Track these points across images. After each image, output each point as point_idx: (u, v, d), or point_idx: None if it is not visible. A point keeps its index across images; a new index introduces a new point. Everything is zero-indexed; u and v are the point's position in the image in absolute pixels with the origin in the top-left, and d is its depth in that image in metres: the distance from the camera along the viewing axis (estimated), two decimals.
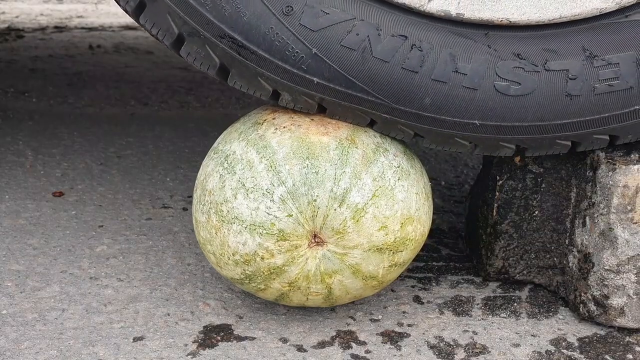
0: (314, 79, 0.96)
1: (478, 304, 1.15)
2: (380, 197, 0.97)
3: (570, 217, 1.11)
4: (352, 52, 0.95)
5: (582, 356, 1.03)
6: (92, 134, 1.80)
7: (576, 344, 1.06)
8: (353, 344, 1.04)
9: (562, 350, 1.04)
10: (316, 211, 0.95)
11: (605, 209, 1.04)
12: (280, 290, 1.00)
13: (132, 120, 2.01)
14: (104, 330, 1.04)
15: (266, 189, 0.95)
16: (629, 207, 1.03)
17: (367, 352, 1.02)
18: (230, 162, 0.99)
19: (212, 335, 1.05)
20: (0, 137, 1.67)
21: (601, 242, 1.05)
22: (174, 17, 0.94)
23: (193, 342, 1.02)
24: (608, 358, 1.03)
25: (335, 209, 0.94)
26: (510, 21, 0.96)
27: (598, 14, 0.97)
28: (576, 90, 0.98)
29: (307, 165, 0.96)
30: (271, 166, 0.96)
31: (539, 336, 1.08)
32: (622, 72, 0.97)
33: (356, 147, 0.98)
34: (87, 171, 1.55)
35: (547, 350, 1.04)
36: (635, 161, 1.03)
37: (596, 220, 1.05)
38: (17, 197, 1.41)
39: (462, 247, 1.31)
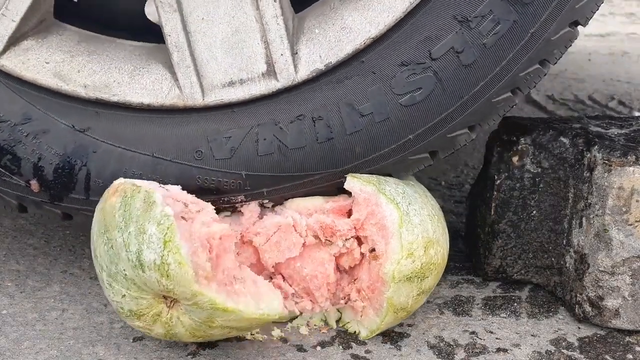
0: (263, 190, 1.02)
1: (478, 303, 1.15)
2: (402, 224, 0.96)
3: (567, 217, 1.11)
4: (273, 155, 1.00)
5: (582, 356, 1.03)
6: None
7: (576, 344, 1.06)
8: (353, 344, 1.04)
9: (562, 350, 1.04)
10: (136, 282, 0.90)
11: (601, 210, 1.04)
12: (202, 337, 0.95)
13: None
14: (104, 330, 1.05)
15: (100, 278, 0.94)
16: (624, 209, 1.03)
17: (367, 352, 1.02)
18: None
19: None
20: None
21: (596, 243, 1.05)
22: None
23: (193, 342, 1.02)
24: (608, 358, 1.03)
25: (143, 276, 0.88)
26: (373, 38, 0.96)
27: None
28: (470, 58, 0.96)
29: (105, 241, 0.91)
30: (94, 253, 0.94)
31: (539, 336, 1.08)
32: (499, 17, 0.95)
33: (139, 192, 0.91)
34: None
35: (547, 350, 1.04)
36: (631, 163, 1.03)
37: (592, 221, 1.05)
38: None
39: (462, 247, 1.31)
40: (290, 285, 1.04)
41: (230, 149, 1.00)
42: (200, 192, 1.01)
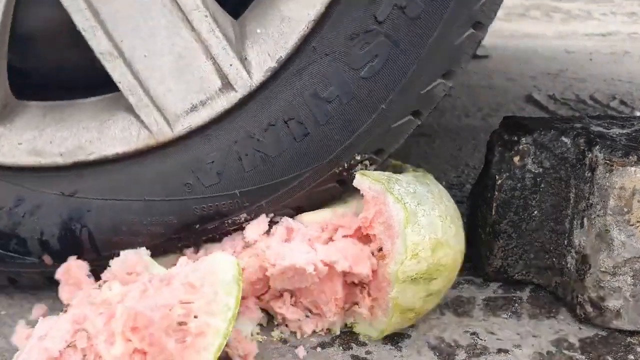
0: (262, 202, 1.02)
1: (479, 304, 1.15)
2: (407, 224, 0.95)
3: (569, 217, 1.11)
4: (259, 167, 1.00)
5: (584, 357, 1.03)
6: None
7: (577, 344, 1.06)
8: (353, 345, 1.04)
9: (564, 351, 1.04)
10: None
11: (602, 211, 1.03)
12: None
13: None
14: None
15: None
16: (625, 209, 1.03)
17: (368, 352, 1.02)
18: None
19: None
20: None
21: (598, 243, 1.05)
22: None
23: None
24: (609, 359, 1.03)
25: None
26: (314, 20, 0.95)
27: None
28: (417, 9, 0.94)
29: None
30: None
31: (540, 337, 1.07)
32: None
33: None
34: None
35: (548, 351, 1.04)
36: (632, 163, 1.02)
37: (593, 222, 1.05)
38: None
39: None
40: (298, 298, 1.04)
41: (217, 173, 1.01)
42: (202, 220, 1.03)
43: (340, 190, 1.04)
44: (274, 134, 0.99)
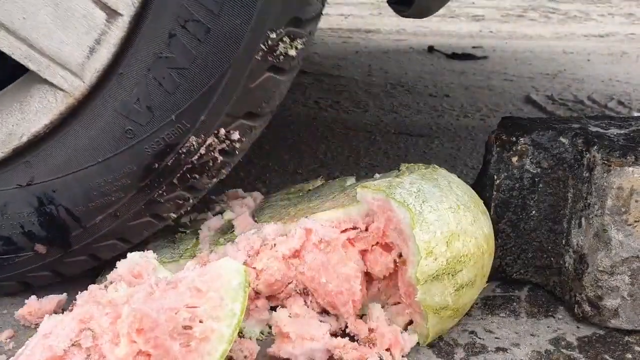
0: (200, 117, 0.98)
1: (477, 303, 1.16)
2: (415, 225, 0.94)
3: (567, 217, 1.11)
4: (182, 84, 0.96)
5: (582, 355, 1.03)
6: None
7: (575, 343, 1.06)
8: None
9: (562, 350, 1.05)
10: None
11: (600, 210, 1.04)
12: None
13: None
14: None
15: None
16: (623, 209, 1.03)
17: None
18: None
19: None
20: None
21: (595, 243, 1.05)
22: None
23: None
24: (607, 357, 1.03)
25: None
26: None
27: None
28: None
29: None
30: None
31: (538, 336, 1.08)
32: None
33: None
34: None
35: (546, 349, 1.04)
36: (630, 163, 1.03)
37: (591, 221, 1.05)
38: None
39: None
40: (316, 299, 1.03)
41: (147, 108, 0.98)
42: (158, 158, 1.00)
43: (281, 79, 1.00)
44: (178, 44, 0.95)
